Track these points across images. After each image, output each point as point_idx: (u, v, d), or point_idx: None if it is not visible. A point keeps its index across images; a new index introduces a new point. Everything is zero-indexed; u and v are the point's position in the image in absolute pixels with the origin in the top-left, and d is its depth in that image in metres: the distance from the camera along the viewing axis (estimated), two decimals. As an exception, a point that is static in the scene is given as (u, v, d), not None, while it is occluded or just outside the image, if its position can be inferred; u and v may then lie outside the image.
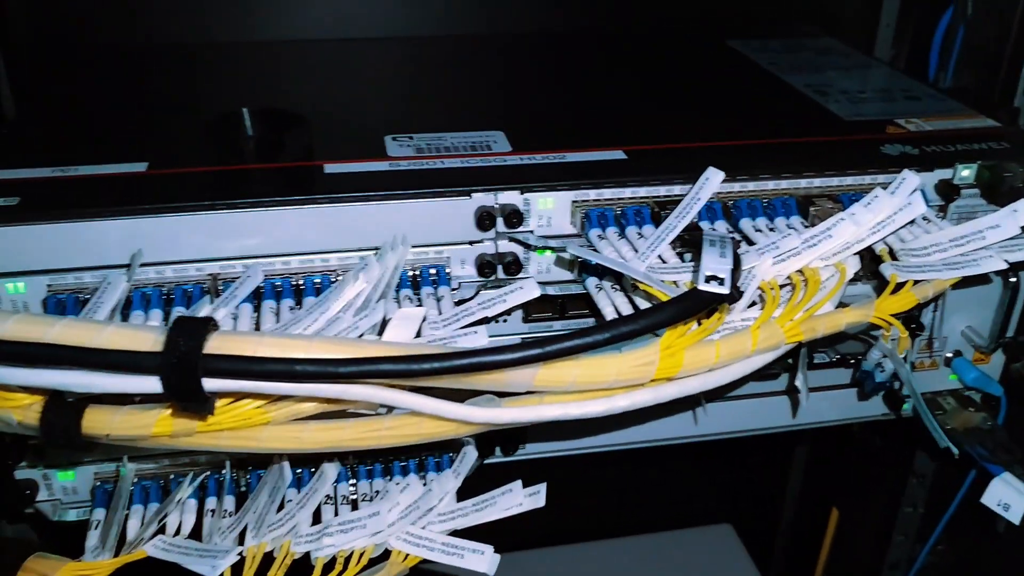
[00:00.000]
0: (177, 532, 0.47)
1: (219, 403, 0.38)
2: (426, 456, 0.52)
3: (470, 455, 0.50)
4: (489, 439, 0.54)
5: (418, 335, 0.41)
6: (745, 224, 0.49)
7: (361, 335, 0.40)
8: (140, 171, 0.49)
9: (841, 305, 0.45)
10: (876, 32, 0.76)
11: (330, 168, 0.49)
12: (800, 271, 0.44)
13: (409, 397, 0.38)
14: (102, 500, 0.50)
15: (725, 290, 0.37)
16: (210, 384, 0.35)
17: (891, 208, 0.44)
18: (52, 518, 0.51)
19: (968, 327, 0.58)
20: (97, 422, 0.38)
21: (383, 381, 0.37)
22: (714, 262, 0.39)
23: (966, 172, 0.53)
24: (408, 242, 0.46)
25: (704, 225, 0.49)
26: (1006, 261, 0.45)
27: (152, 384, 0.35)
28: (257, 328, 0.44)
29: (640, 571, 0.99)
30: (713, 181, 0.45)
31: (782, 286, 0.44)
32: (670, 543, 1.01)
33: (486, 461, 0.55)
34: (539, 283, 0.44)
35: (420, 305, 0.45)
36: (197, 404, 0.35)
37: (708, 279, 0.38)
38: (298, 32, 0.79)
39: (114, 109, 0.60)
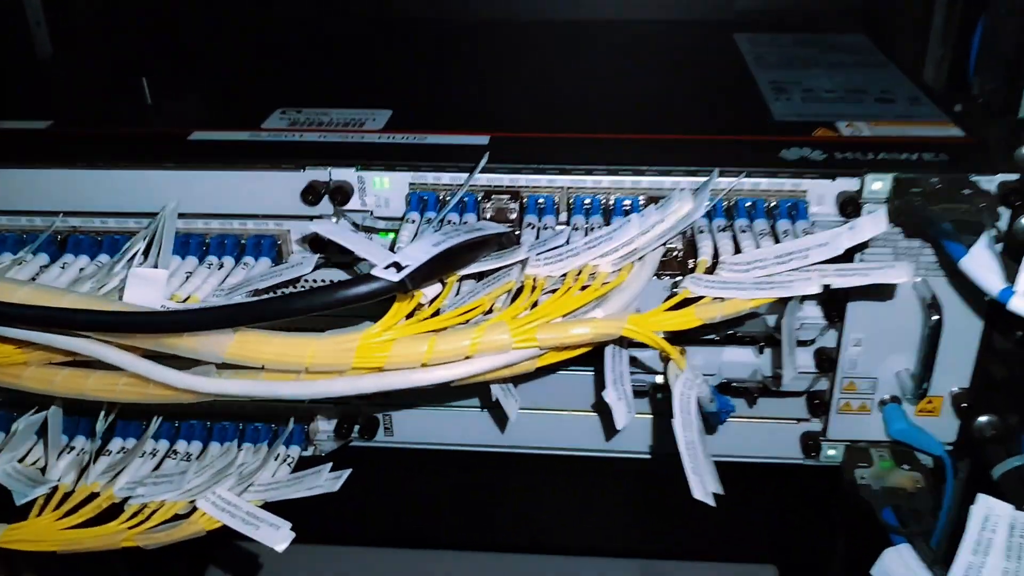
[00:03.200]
0: (24, 462, 0.51)
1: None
2: (273, 428, 0.52)
3: (293, 428, 0.50)
4: (351, 419, 0.54)
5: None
6: (577, 221, 0.45)
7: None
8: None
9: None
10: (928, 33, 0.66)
11: (197, 136, 0.51)
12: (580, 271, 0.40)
13: (115, 353, 0.39)
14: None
15: (394, 277, 0.34)
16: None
17: (682, 211, 0.39)
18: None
19: (904, 369, 0.49)
20: None
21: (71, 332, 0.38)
22: (415, 249, 0.36)
23: (877, 185, 0.45)
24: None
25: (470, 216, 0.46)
26: (823, 285, 0.38)
27: None
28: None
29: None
30: (479, 166, 0.42)
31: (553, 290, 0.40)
32: (710, 574, 0.95)
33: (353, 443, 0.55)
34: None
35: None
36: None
37: (390, 265, 0.35)
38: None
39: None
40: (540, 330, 0.38)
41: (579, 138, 0.49)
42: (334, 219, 0.47)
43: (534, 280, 0.40)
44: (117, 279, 0.44)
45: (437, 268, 0.36)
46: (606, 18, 0.78)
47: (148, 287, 0.40)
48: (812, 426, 0.52)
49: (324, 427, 0.53)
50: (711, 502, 0.38)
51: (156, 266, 0.43)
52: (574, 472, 0.90)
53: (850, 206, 0.45)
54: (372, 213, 0.48)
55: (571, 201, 0.46)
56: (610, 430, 0.53)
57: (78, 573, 0.77)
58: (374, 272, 0.35)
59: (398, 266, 0.35)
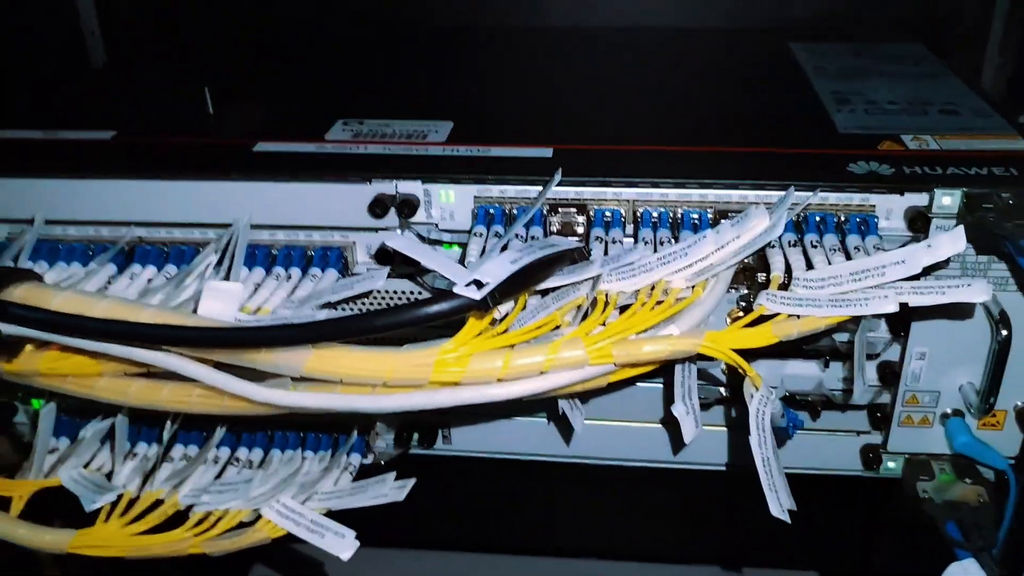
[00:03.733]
0: (88, 468, 0.52)
1: (46, 351, 0.42)
2: (333, 436, 0.53)
3: (351, 439, 0.50)
4: (410, 428, 0.54)
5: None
6: (646, 235, 0.45)
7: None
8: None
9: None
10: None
11: (261, 147, 0.51)
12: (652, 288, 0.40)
13: (190, 365, 0.39)
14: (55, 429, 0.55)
15: (475, 296, 0.35)
16: (6, 328, 0.39)
17: (760, 228, 0.39)
18: (26, 440, 0.58)
19: (968, 383, 0.49)
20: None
21: (150, 346, 0.38)
22: (494, 266, 0.36)
23: (947, 200, 0.45)
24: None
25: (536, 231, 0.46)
26: (900, 304, 0.38)
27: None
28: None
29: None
30: (553, 182, 0.42)
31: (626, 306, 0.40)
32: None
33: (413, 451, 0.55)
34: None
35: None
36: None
37: (471, 283, 0.35)
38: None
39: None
40: (615, 347, 0.38)
41: (643, 150, 0.50)
42: (398, 231, 0.48)
43: (606, 296, 0.40)
44: (189, 291, 0.44)
45: (515, 285, 0.36)
46: (664, 25, 0.78)
47: (223, 300, 0.41)
48: (872, 439, 0.52)
49: (384, 436, 0.54)
50: (787, 519, 0.38)
51: (228, 278, 0.44)
52: (614, 479, 0.89)
53: (919, 221, 0.45)
54: (437, 226, 0.48)
55: (638, 214, 0.46)
56: (676, 442, 0.53)
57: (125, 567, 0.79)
58: (456, 290, 0.35)
59: (479, 283, 0.35)
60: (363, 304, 0.51)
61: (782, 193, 0.44)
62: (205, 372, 0.39)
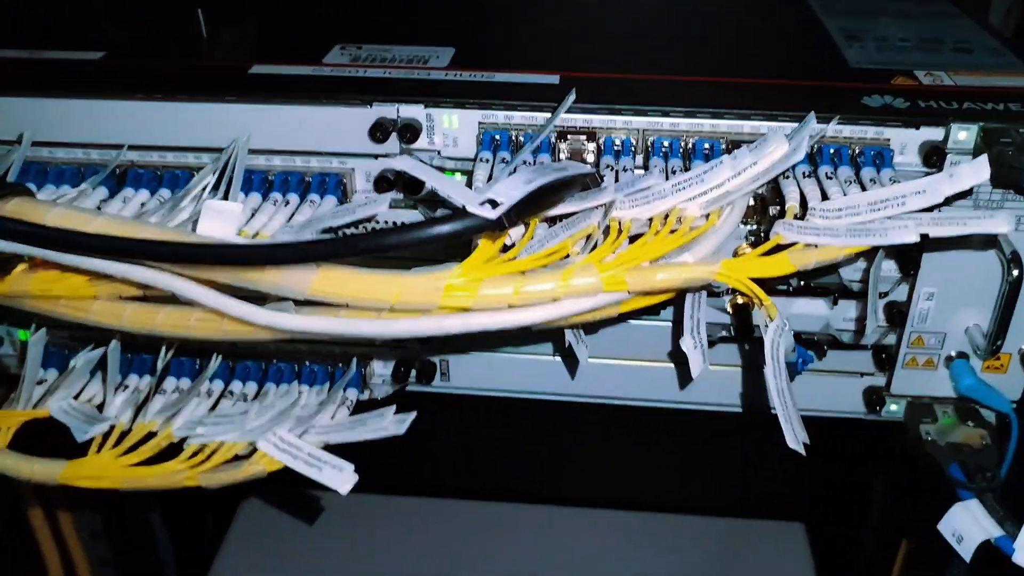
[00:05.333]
0: (79, 399, 0.51)
1: (37, 272, 0.40)
2: (330, 369, 0.52)
3: (350, 371, 0.49)
4: (406, 365, 0.53)
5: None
6: (657, 164, 0.44)
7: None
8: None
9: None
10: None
11: (257, 69, 0.49)
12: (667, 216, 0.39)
13: (191, 287, 0.38)
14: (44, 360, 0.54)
15: (491, 215, 0.33)
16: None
17: (778, 154, 0.38)
18: (13, 372, 0.56)
19: (975, 325, 0.49)
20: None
21: (147, 263, 0.37)
22: (507, 186, 0.35)
23: (963, 135, 0.44)
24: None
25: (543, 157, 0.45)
26: (920, 233, 0.37)
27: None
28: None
29: (699, 551, 0.94)
30: (567, 102, 0.40)
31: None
32: (737, 530, 0.95)
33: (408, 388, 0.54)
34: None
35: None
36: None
37: (485, 201, 0.34)
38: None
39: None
40: (629, 274, 0.37)
41: (652, 79, 0.48)
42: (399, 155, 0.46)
43: (619, 223, 0.39)
44: (185, 213, 0.43)
45: (530, 206, 0.35)
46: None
47: (222, 220, 0.39)
48: (875, 381, 0.52)
49: (380, 371, 0.53)
50: (802, 451, 0.37)
51: (227, 199, 0.42)
52: (601, 422, 0.89)
53: (935, 156, 0.44)
54: (439, 152, 0.47)
55: (649, 143, 0.45)
56: (680, 380, 0.52)
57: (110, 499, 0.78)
58: (470, 208, 0.34)
59: (493, 203, 0.34)
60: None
61: (795, 125, 0.43)
62: (206, 293, 0.38)
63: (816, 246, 0.38)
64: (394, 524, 0.96)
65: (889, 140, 0.44)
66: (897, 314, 0.48)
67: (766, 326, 0.38)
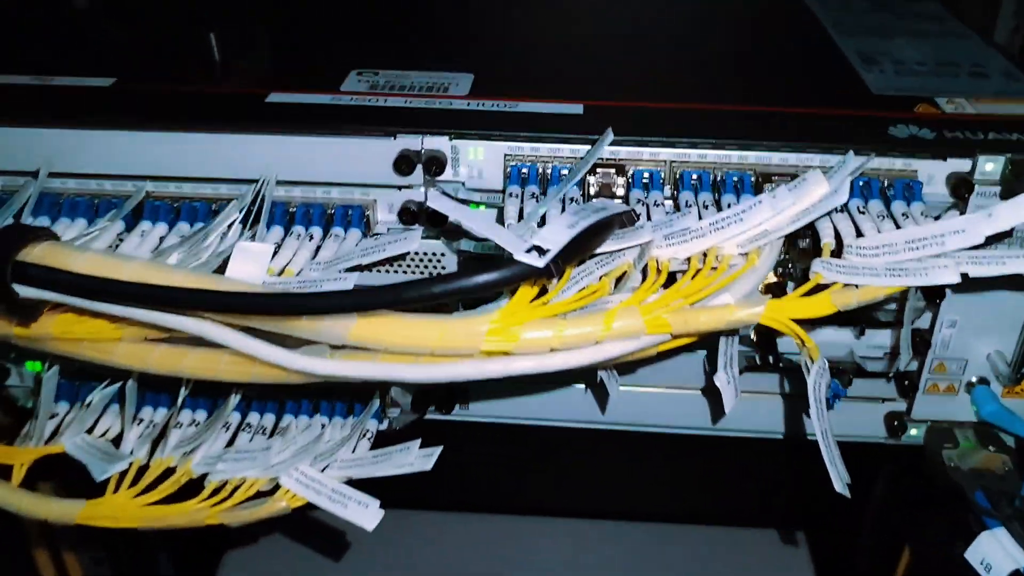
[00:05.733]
0: (92, 435, 0.50)
1: (58, 314, 0.39)
2: (348, 401, 0.51)
3: (373, 405, 0.49)
4: (425, 395, 0.53)
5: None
6: (687, 197, 0.44)
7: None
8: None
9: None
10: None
11: (275, 97, 0.49)
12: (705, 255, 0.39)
13: (222, 331, 0.37)
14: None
15: (538, 263, 0.33)
16: (24, 291, 0.36)
17: (818, 194, 0.38)
18: (20, 404, 0.55)
19: (996, 351, 0.49)
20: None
21: (183, 311, 0.36)
22: (552, 232, 0.35)
23: (990, 166, 0.44)
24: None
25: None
26: (962, 274, 0.37)
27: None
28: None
29: (701, 560, 0.94)
30: (605, 140, 0.40)
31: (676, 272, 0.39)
32: (738, 538, 0.95)
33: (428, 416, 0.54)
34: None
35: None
36: (9, 307, 0.36)
37: (531, 249, 0.34)
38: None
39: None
40: (673, 316, 0.36)
41: (676, 108, 0.48)
42: (422, 189, 0.46)
43: (657, 262, 0.39)
44: (209, 251, 0.42)
45: (575, 251, 0.35)
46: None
47: (253, 262, 0.39)
48: (895, 406, 0.52)
49: (400, 401, 0.52)
50: (847, 493, 0.37)
51: (254, 238, 0.41)
52: (601, 432, 0.89)
53: (963, 187, 0.44)
54: (464, 184, 0.46)
55: (677, 176, 0.45)
56: (715, 409, 0.52)
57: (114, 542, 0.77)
58: (517, 256, 0.33)
59: (540, 249, 0.33)
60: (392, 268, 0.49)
61: (824, 156, 0.43)
62: (239, 339, 0.37)
63: (856, 286, 0.38)
64: (398, 538, 0.96)
65: (916, 172, 0.44)
66: (922, 342, 0.48)
67: (807, 368, 0.38)
